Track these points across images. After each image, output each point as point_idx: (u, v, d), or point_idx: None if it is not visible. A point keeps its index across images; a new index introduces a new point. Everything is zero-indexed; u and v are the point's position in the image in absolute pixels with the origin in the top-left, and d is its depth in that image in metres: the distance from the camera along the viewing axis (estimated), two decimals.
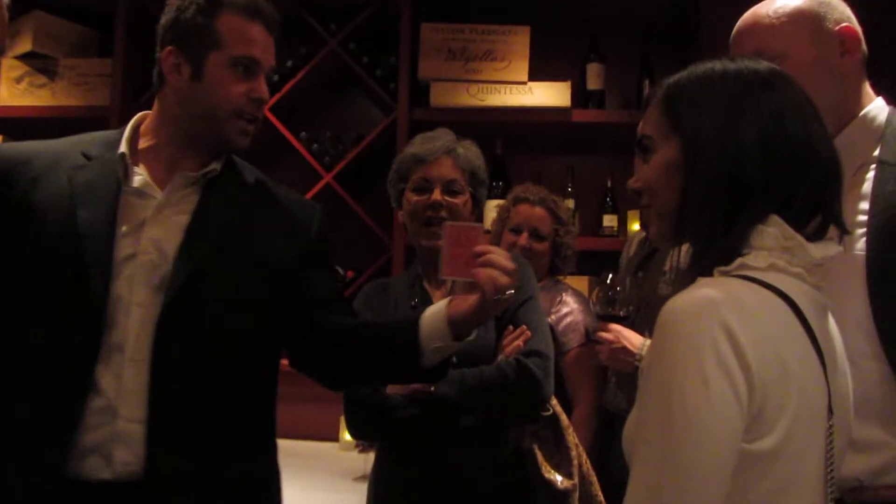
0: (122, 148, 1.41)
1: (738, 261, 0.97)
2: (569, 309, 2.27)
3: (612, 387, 2.09)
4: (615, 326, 1.95)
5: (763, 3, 1.44)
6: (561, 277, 2.42)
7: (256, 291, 1.43)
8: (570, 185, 3.10)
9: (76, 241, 1.34)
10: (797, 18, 1.38)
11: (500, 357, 1.69)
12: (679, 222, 1.02)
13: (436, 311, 1.38)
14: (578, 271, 2.58)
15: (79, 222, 1.35)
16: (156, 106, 1.49)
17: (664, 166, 1.02)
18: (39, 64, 3.15)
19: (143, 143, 1.46)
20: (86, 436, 1.30)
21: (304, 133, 3.10)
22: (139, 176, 1.42)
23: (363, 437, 1.76)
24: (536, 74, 2.98)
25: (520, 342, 1.69)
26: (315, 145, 3.10)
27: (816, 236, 1.00)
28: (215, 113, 1.41)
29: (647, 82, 3.06)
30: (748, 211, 0.97)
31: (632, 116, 2.98)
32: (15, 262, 1.36)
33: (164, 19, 1.45)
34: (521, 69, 2.96)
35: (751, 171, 0.96)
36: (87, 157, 1.41)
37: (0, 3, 1.19)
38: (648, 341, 1.92)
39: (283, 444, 2.95)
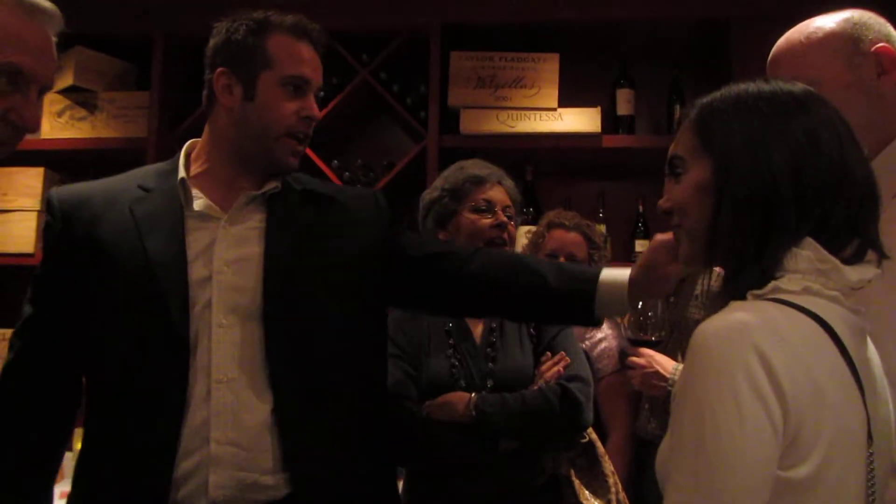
0: (182, 173, 1.43)
1: (772, 284, 0.96)
2: (603, 335, 2.26)
3: (645, 413, 2.07)
4: (647, 351, 1.93)
5: (796, 28, 1.43)
6: None
7: (350, 288, 1.44)
8: (601, 210, 3.10)
9: (149, 271, 1.36)
10: (830, 43, 1.36)
11: (540, 383, 1.69)
12: (710, 244, 1.01)
13: (617, 276, 1.39)
14: None
15: (149, 252, 1.37)
16: (207, 129, 1.50)
17: (695, 187, 1.02)
18: (80, 97, 3.24)
19: (196, 168, 1.48)
20: (183, 462, 1.31)
21: (335, 161, 3.14)
22: (199, 199, 1.43)
23: (399, 462, 1.76)
24: (566, 100, 2.99)
25: (560, 368, 1.70)
26: (346, 173, 3.13)
27: (854, 259, 0.99)
28: (268, 132, 1.42)
29: (677, 107, 3.05)
30: (781, 233, 0.96)
31: (662, 141, 2.96)
32: (89, 301, 1.39)
33: (214, 41, 1.47)
34: (551, 95, 2.97)
35: (783, 193, 0.95)
36: (144, 189, 1.44)
37: (49, 40, 1.23)
38: (681, 366, 1.90)
39: None
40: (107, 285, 1.38)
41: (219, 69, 1.44)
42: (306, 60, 1.44)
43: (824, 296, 0.95)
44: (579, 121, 2.95)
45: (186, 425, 1.32)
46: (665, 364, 1.91)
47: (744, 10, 2.85)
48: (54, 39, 1.25)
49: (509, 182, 1.90)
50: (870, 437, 0.93)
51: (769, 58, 1.45)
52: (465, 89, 3.01)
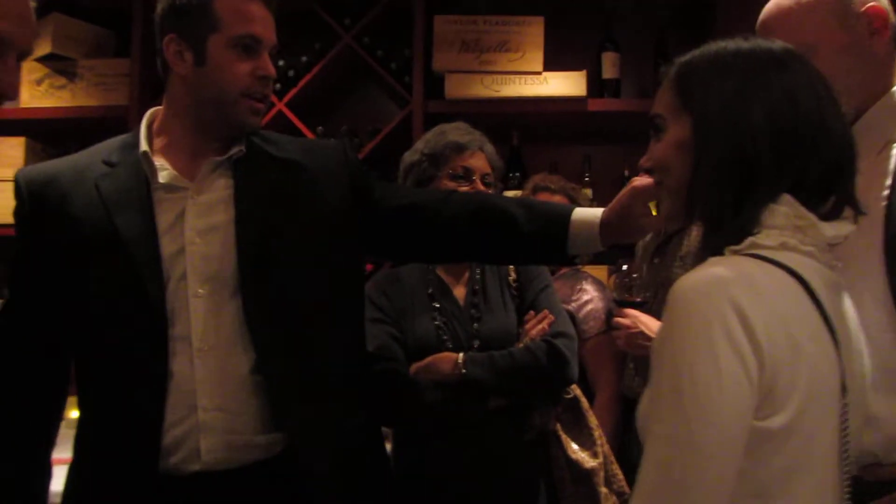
0: (143, 147, 1.41)
1: (749, 240, 0.97)
2: (589, 297, 2.28)
3: (630, 372, 2.10)
4: (632, 312, 1.95)
5: None
6: (580, 266, 2.41)
7: (323, 245, 1.43)
8: (586, 174, 3.10)
9: (121, 248, 1.35)
10: (822, 5, 1.35)
11: (526, 340, 1.71)
12: (689, 200, 1.02)
13: (590, 217, 1.40)
14: (597, 260, 2.58)
15: (119, 229, 1.36)
16: (165, 98, 1.47)
17: (675, 145, 1.03)
18: (59, 66, 3.18)
19: (160, 139, 1.46)
20: (171, 431, 1.32)
21: (320, 128, 3.12)
22: (165, 171, 1.41)
23: (386, 423, 1.77)
24: (551, 64, 2.97)
25: (545, 325, 1.72)
26: (331, 140, 3.11)
27: (831, 216, 1.00)
28: (223, 96, 1.39)
29: (662, 71, 3.03)
30: (758, 190, 0.97)
31: (648, 105, 2.86)
32: (64, 280, 1.39)
33: (160, 7, 1.43)
34: (536, 59, 2.95)
35: (760, 151, 0.96)
36: (108, 164, 1.42)
37: (28, 6, 1.21)
38: None
39: None
40: (80, 264, 1.37)
41: (167, 35, 1.41)
42: (256, 18, 1.40)
43: (800, 251, 0.97)
44: (565, 84, 2.93)
45: (171, 396, 1.33)
46: (650, 324, 1.93)
47: None
48: (33, 5, 1.23)
49: (490, 148, 1.89)
50: (844, 388, 0.95)
51: (758, 23, 1.43)
52: (449, 53, 2.98)
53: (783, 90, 0.98)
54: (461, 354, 1.71)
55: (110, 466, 1.36)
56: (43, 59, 3.17)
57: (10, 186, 3.16)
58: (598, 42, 3.09)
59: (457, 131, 1.88)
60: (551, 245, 1.43)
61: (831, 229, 0.99)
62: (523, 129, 3.11)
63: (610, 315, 2.19)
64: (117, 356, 1.37)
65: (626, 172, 3.08)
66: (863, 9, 1.34)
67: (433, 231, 1.51)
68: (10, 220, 1.47)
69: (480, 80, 2.96)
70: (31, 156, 3.19)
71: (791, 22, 1.36)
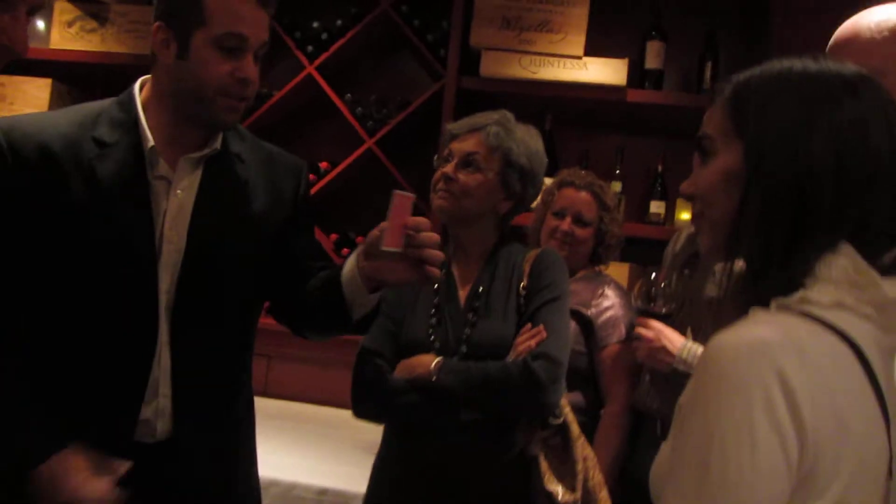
0: (150, 140, 1.41)
1: (800, 294, 0.85)
2: (610, 303, 2.17)
3: (646, 385, 2.01)
4: (656, 324, 1.87)
5: (864, 13, 1.34)
6: (602, 267, 2.32)
7: (251, 260, 1.50)
8: (618, 167, 2.99)
9: (121, 238, 1.38)
10: None
11: (512, 355, 1.61)
12: (733, 238, 0.91)
13: (350, 267, 1.41)
14: (621, 258, 2.49)
15: (119, 218, 1.38)
16: (151, 79, 1.46)
17: (723, 173, 0.91)
18: (91, 9, 3.13)
19: (144, 116, 1.44)
20: (143, 410, 1.42)
21: (349, 95, 3.04)
22: (161, 163, 1.43)
23: (366, 418, 1.73)
24: (593, 49, 2.85)
25: (532, 342, 1.60)
26: (359, 108, 3.03)
27: (892, 270, 0.88)
28: (201, 92, 1.39)
29: (709, 64, 2.91)
30: (814, 236, 0.85)
31: (690, 99, 2.86)
32: (52, 253, 1.38)
33: None
34: (577, 43, 2.84)
35: (821, 190, 0.85)
36: (100, 143, 1.40)
37: None
38: (690, 342, 1.84)
39: (301, 408, 2.95)
40: (72, 246, 1.37)
41: (157, 22, 1.40)
42: (245, 17, 1.37)
43: (857, 312, 0.85)
44: (605, 72, 2.82)
45: (149, 381, 1.42)
46: (674, 339, 1.84)
47: None
48: None
49: (498, 130, 1.72)
50: (890, 472, 0.85)
51: (831, 41, 1.37)
52: (488, 29, 2.88)
53: (852, 120, 0.87)
54: (438, 360, 1.63)
55: (88, 435, 1.38)
56: (75, 1, 3.12)
57: None
58: (644, 30, 2.97)
59: (470, 118, 1.78)
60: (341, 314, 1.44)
61: (894, 289, 0.87)
62: (557, 114, 3.00)
63: (632, 325, 2.10)
64: (111, 342, 1.40)
65: (660, 168, 2.97)
66: None
67: (293, 298, 1.54)
68: None
69: (518, 59, 2.85)
70: (57, 98, 3.16)
71: (863, 44, 1.30)
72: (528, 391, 1.57)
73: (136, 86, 1.47)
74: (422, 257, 1.34)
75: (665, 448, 0.90)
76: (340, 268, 1.44)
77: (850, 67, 0.92)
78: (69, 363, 1.41)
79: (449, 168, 1.71)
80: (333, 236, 3.05)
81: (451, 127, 1.80)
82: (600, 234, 2.25)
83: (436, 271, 1.36)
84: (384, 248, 1.32)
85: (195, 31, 1.36)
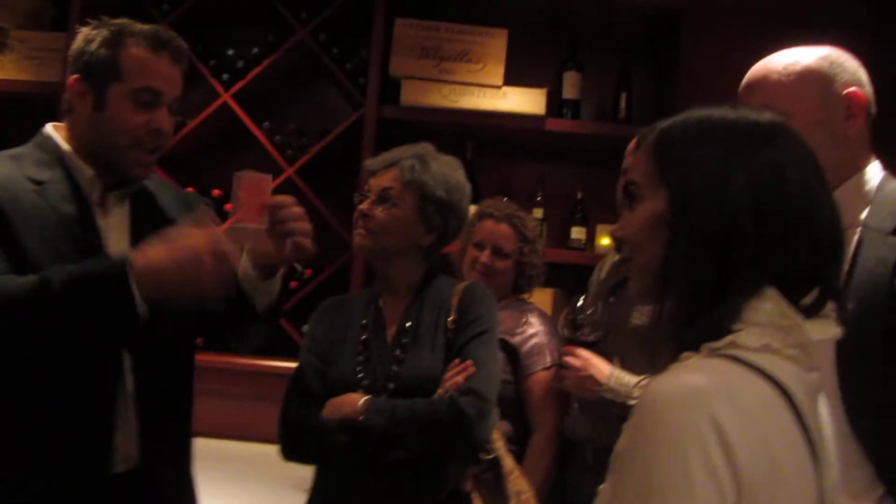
0: (87, 171, 1.47)
1: (729, 338, 0.86)
2: (534, 330, 2.18)
3: (575, 413, 2.01)
4: (584, 353, 1.88)
5: (773, 57, 1.41)
6: (526, 295, 2.32)
7: None
8: (539, 194, 3.03)
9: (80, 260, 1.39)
10: (806, 78, 1.36)
11: (439, 392, 1.58)
12: (661, 283, 0.92)
13: (241, 262, 1.49)
14: (544, 284, 2.50)
15: (73, 244, 1.40)
16: (66, 126, 1.52)
17: (649, 219, 0.93)
18: None
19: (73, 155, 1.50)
20: (115, 439, 1.44)
21: (266, 123, 2.98)
22: (94, 194, 1.48)
23: (295, 459, 1.67)
24: (512, 79, 2.89)
25: (460, 378, 1.57)
26: (278, 137, 2.97)
27: (813, 310, 0.90)
28: (116, 142, 1.45)
29: (623, 94, 3.00)
30: (739, 280, 0.87)
31: (607, 128, 2.93)
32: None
33: (74, 48, 1.49)
34: (497, 73, 2.87)
35: (744, 235, 0.87)
36: (36, 182, 1.43)
37: None
38: (617, 370, 1.86)
39: (226, 446, 2.84)
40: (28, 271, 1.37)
41: (74, 76, 1.48)
42: (160, 73, 1.47)
43: (783, 354, 0.87)
44: (524, 101, 2.86)
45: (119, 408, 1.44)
46: (601, 367, 1.85)
47: (698, 2, 2.80)
48: None
49: (412, 163, 1.71)
50: None
51: (742, 83, 1.43)
52: (408, 59, 2.88)
53: (770, 166, 0.89)
54: (364, 399, 1.59)
55: (58, 467, 1.40)
56: None
57: None
58: (561, 60, 3.03)
59: (388, 153, 1.77)
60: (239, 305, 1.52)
61: (817, 331, 0.89)
62: (478, 143, 3.02)
63: (559, 352, 2.10)
64: (76, 373, 1.40)
65: (580, 194, 3.02)
66: (844, 91, 1.36)
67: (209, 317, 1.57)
68: None
69: (438, 88, 2.86)
70: None
71: (772, 85, 1.37)
72: (456, 428, 1.54)
73: (49, 128, 1.53)
74: (291, 231, 1.45)
75: (604, 492, 0.89)
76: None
77: (767, 116, 0.95)
78: (39, 395, 1.40)
79: (365, 205, 1.71)
80: None
81: (368, 163, 1.81)
82: (520, 265, 2.25)
83: (305, 242, 1.47)
84: (238, 225, 1.41)
85: (111, 84, 1.45)
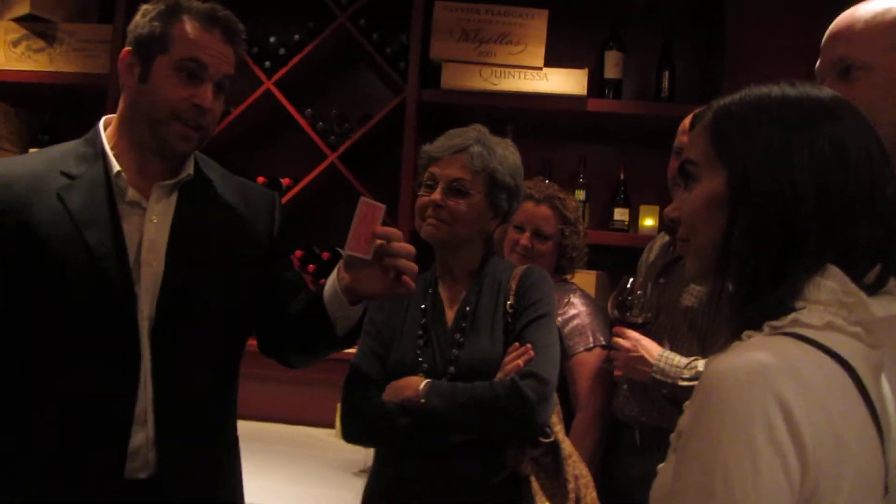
0: (116, 167, 1.43)
1: (792, 316, 0.86)
2: (576, 311, 2.17)
3: (624, 394, 2.00)
4: (633, 334, 1.87)
5: (863, 5, 1.32)
6: (569, 276, 2.31)
7: (232, 284, 1.50)
8: (581, 175, 3.01)
9: (94, 264, 1.37)
10: (894, 29, 1.26)
11: (500, 375, 1.60)
12: (720, 263, 0.91)
13: (332, 282, 1.42)
14: (587, 266, 2.49)
15: (90, 244, 1.37)
16: (119, 108, 1.50)
17: (707, 200, 0.93)
18: (38, 28, 3.04)
19: (112, 150, 1.47)
20: (132, 443, 1.39)
21: (309, 110, 3.00)
22: (130, 189, 1.44)
23: (356, 442, 1.71)
24: (552, 60, 2.87)
25: (520, 362, 1.59)
26: (320, 123, 3.00)
27: (875, 287, 0.89)
28: (154, 114, 1.42)
29: (666, 73, 2.95)
30: (802, 259, 0.86)
31: (649, 107, 2.90)
32: (26, 288, 1.37)
33: (131, 23, 1.47)
34: (537, 54, 2.85)
35: (806, 215, 0.86)
36: (68, 175, 1.41)
37: None
38: (666, 352, 1.84)
39: (277, 429, 2.91)
40: (45, 277, 1.36)
41: (125, 49, 1.45)
42: (206, 46, 1.43)
43: (847, 332, 0.87)
44: (565, 82, 2.84)
45: (136, 411, 1.40)
46: (651, 349, 1.84)
47: None
48: None
49: (481, 150, 1.70)
50: (886, 488, 0.86)
51: (829, 30, 1.34)
52: (448, 42, 2.87)
53: (832, 144, 0.88)
54: (425, 382, 1.60)
55: (73, 472, 1.38)
56: (21, 20, 3.03)
57: None
58: (603, 40, 2.99)
59: (445, 138, 1.74)
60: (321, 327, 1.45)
61: (881, 308, 0.88)
62: (519, 124, 3.00)
63: (601, 332, 2.09)
64: (93, 373, 1.38)
65: (622, 175, 2.99)
66: None
67: (274, 327, 1.56)
68: None
69: (479, 71, 2.85)
70: (5, 120, 3.07)
71: (856, 35, 1.28)
72: (517, 411, 1.55)
73: (101, 122, 1.50)
74: (397, 267, 1.36)
75: (664, 471, 0.90)
76: (322, 287, 1.45)
77: (827, 92, 0.94)
78: (56, 396, 1.38)
79: (437, 195, 1.68)
80: (299, 253, 3.00)
81: (428, 149, 1.75)
82: (561, 247, 2.24)
83: (411, 283, 1.37)
84: (348, 252, 1.35)
85: (158, 55, 1.42)
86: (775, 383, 0.80)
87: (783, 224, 0.87)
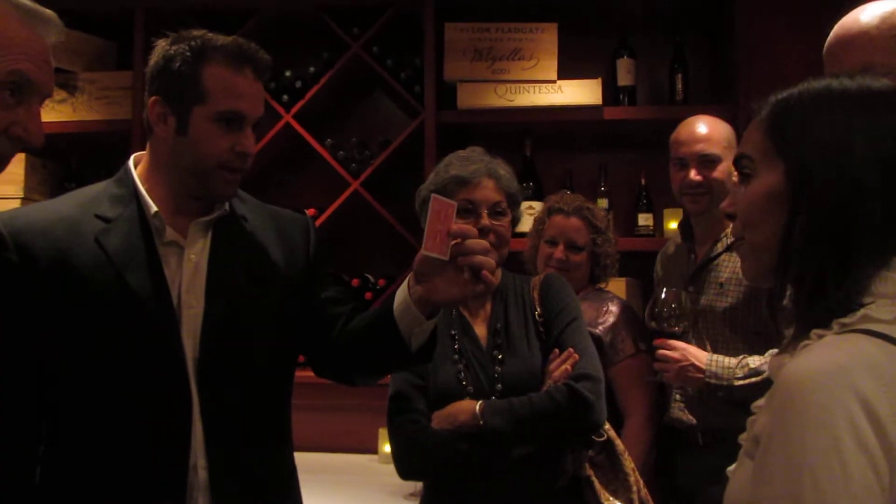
0: (154, 207, 1.41)
1: (862, 312, 0.85)
2: (615, 319, 2.18)
3: (678, 403, 2.05)
4: (679, 344, 1.90)
5: (861, 10, 1.33)
6: (603, 285, 2.33)
7: (273, 315, 1.48)
8: (602, 183, 3.02)
9: (138, 307, 1.35)
10: None
11: (549, 383, 1.62)
12: (781, 262, 0.90)
13: (403, 297, 1.36)
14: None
15: (133, 288, 1.35)
16: (148, 150, 1.48)
17: (765, 196, 0.92)
18: (59, 79, 3.09)
19: (145, 189, 1.45)
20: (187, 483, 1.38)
21: (329, 140, 3.04)
22: (168, 228, 1.43)
23: (413, 478, 1.72)
24: (566, 72, 2.89)
25: (567, 366, 1.62)
26: (341, 152, 3.03)
27: None
28: (200, 166, 1.40)
29: (679, 76, 2.96)
30: (867, 253, 0.85)
31: (664, 112, 2.91)
32: (69, 335, 1.35)
33: (152, 64, 1.43)
34: (550, 67, 2.88)
35: (870, 208, 0.85)
36: (103, 219, 1.40)
37: (48, 49, 1.15)
38: (713, 355, 1.86)
39: (318, 458, 2.91)
40: (89, 323, 1.35)
41: (154, 97, 1.41)
42: (244, 94, 1.40)
43: None
44: (580, 93, 2.86)
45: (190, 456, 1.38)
46: (699, 356, 1.88)
47: None
48: (50, 43, 1.18)
49: (502, 171, 1.74)
50: None
51: (830, 41, 1.35)
52: (461, 62, 2.91)
53: (894, 132, 0.87)
54: (479, 403, 1.62)
55: None
56: None
57: (12, 204, 3.07)
58: (613, 48, 3.02)
59: (461, 162, 1.75)
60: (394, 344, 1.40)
61: None
62: (537, 138, 3.04)
63: (644, 337, 2.10)
64: (133, 413, 1.36)
65: (643, 181, 3.00)
66: None
67: (330, 346, 1.52)
68: None
69: (493, 89, 2.88)
70: (31, 171, 3.12)
71: (871, 42, 1.28)
72: (579, 414, 1.58)
73: (131, 161, 1.48)
74: (473, 264, 1.29)
75: (738, 475, 0.89)
76: (389, 302, 1.40)
77: (885, 83, 0.92)
78: (109, 446, 1.37)
79: (486, 220, 1.69)
80: None
81: (457, 173, 1.73)
82: (595, 256, 2.26)
83: (491, 277, 1.31)
84: (425, 253, 1.29)
85: (194, 107, 1.38)
86: (855, 383, 0.78)
87: (846, 218, 0.86)
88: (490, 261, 1.30)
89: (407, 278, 1.37)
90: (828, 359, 0.82)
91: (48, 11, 1.15)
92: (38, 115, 1.13)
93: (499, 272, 1.79)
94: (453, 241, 1.29)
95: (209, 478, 1.37)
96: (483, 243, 1.31)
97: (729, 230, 2.06)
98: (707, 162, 2.07)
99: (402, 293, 1.37)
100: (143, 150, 1.49)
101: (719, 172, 2.07)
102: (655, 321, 1.91)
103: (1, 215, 1.39)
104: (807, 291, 0.89)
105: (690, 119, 2.18)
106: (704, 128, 2.12)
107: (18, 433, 1.35)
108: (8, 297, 1.33)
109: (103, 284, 1.35)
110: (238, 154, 1.40)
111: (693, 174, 2.08)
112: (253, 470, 1.44)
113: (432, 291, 1.32)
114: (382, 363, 1.51)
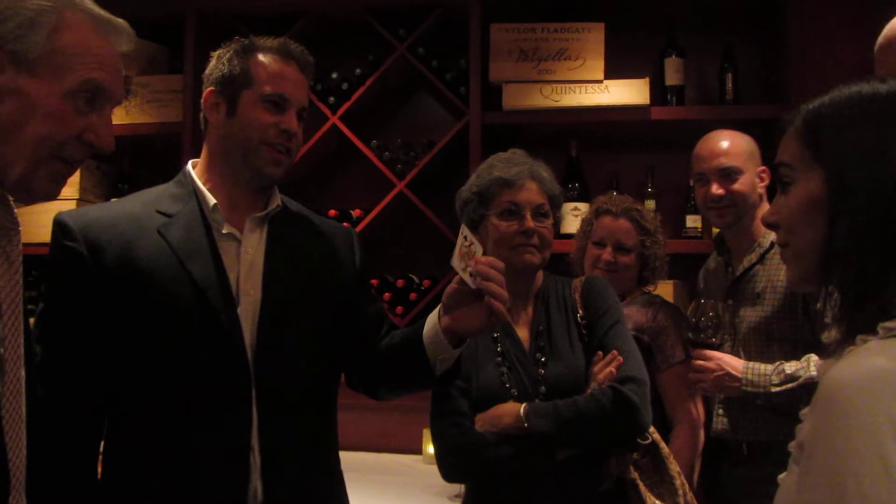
0: (211, 199, 1.49)
1: None
2: (664, 325, 2.15)
3: (720, 416, 2.03)
4: (714, 354, 1.90)
5: None
6: (651, 288, 2.29)
7: (323, 313, 1.54)
8: (650, 185, 2.98)
9: (200, 295, 1.42)
10: None
11: (593, 385, 1.60)
12: (823, 267, 0.90)
13: (432, 324, 1.43)
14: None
15: (195, 277, 1.42)
16: (204, 149, 1.57)
17: (805, 203, 0.92)
18: None
19: (202, 185, 1.54)
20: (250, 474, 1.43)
21: (374, 141, 3.06)
22: (226, 222, 1.50)
23: (457, 480, 1.73)
24: (612, 72, 2.86)
25: (612, 368, 1.60)
26: (386, 153, 3.05)
27: None
28: (246, 143, 1.49)
29: (729, 75, 2.91)
30: None
31: (713, 112, 2.86)
32: (133, 323, 1.42)
33: (208, 68, 1.55)
34: (597, 67, 2.85)
35: None
36: (165, 214, 1.48)
37: (120, 57, 1.18)
38: (751, 363, 1.86)
39: (363, 458, 2.93)
40: (153, 311, 1.41)
41: (208, 89, 1.53)
42: (287, 79, 1.51)
43: None
44: (626, 92, 2.83)
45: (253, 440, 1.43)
46: (735, 364, 1.88)
47: None
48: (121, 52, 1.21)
49: (544, 174, 1.75)
50: None
51: (883, 36, 1.33)
52: (506, 63, 2.90)
53: None
54: (524, 406, 1.61)
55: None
56: None
57: (68, 205, 3.15)
58: (661, 47, 2.98)
59: (505, 164, 1.75)
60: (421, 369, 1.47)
61: None
62: (583, 139, 3.01)
63: (689, 345, 2.07)
64: (197, 402, 1.42)
65: (691, 182, 2.94)
66: None
67: (363, 361, 1.59)
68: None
69: (539, 89, 2.87)
70: (86, 174, 3.20)
71: None
72: (623, 417, 1.57)
73: (189, 164, 1.58)
74: (489, 291, 1.35)
75: (787, 482, 0.88)
76: (420, 327, 1.46)
77: None
78: (171, 431, 1.42)
79: (531, 222, 1.70)
80: (374, 281, 3.05)
81: (500, 175, 1.74)
82: (644, 258, 2.23)
83: (500, 305, 1.35)
84: (451, 264, 1.35)
85: (243, 91, 1.50)
86: None
87: (886, 222, 0.85)
88: (504, 293, 1.35)
89: (437, 309, 1.44)
90: (872, 365, 0.81)
91: (121, 21, 1.19)
92: (110, 121, 1.17)
93: (540, 275, 1.79)
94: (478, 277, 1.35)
95: (261, 462, 1.42)
96: (498, 276, 1.35)
97: (762, 240, 2.05)
98: (727, 175, 2.07)
99: (432, 320, 1.44)
100: (194, 152, 1.58)
101: (741, 185, 2.06)
102: (693, 333, 1.91)
103: (69, 212, 1.49)
104: (851, 296, 0.89)
105: (710, 134, 2.19)
106: (723, 142, 2.12)
107: (82, 425, 1.42)
108: (77, 287, 1.42)
109: (167, 273, 1.42)
110: (282, 132, 1.49)
111: (715, 188, 2.08)
112: (303, 457, 1.48)
113: (457, 322, 1.40)
114: (408, 384, 1.58)
